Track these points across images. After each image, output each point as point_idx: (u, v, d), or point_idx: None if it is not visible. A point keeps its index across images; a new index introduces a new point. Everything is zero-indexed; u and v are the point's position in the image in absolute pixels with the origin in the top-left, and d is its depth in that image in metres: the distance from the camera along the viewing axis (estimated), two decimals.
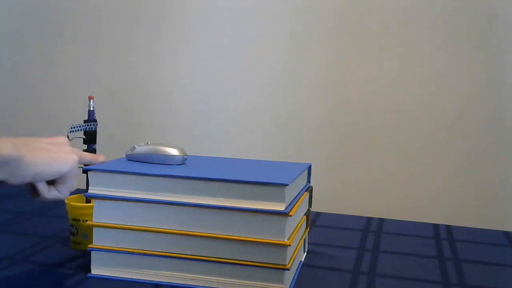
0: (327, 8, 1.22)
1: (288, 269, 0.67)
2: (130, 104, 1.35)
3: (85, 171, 0.73)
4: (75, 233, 0.80)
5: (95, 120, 0.83)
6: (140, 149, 0.76)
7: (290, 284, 0.70)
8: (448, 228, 1.00)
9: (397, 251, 0.86)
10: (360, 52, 1.21)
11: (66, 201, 0.81)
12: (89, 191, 0.72)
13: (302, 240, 0.78)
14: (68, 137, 0.79)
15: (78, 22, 1.37)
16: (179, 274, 0.69)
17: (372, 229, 0.97)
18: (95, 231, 0.72)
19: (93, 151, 0.83)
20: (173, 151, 0.75)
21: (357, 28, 1.21)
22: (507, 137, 1.16)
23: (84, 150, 0.83)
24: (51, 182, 0.66)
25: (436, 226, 1.01)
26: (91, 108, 0.84)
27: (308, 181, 0.84)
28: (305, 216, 0.79)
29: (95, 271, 0.72)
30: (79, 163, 0.69)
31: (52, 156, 0.63)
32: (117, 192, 0.70)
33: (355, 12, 1.20)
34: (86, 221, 0.79)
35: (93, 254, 0.72)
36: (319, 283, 0.72)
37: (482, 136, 1.17)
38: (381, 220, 1.04)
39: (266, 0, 1.25)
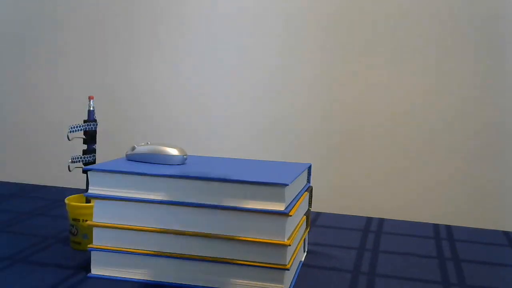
0: (324, 7, 1.22)
1: (288, 269, 0.67)
2: (130, 104, 1.35)
3: (85, 171, 0.73)
4: (75, 233, 0.80)
5: (95, 120, 0.83)
6: (140, 149, 0.76)
7: (290, 284, 0.70)
8: (448, 228, 1.00)
9: (397, 251, 0.86)
10: (360, 52, 1.21)
11: (66, 201, 0.81)
12: (89, 191, 0.72)
13: (302, 240, 0.78)
14: (68, 137, 0.79)
15: (78, 22, 1.37)
16: (179, 274, 0.69)
17: (372, 229, 0.97)
18: (95, 231, 0.72)
19: (93, 151, 0.83)
20: (173, 151, 0.75)
21: (355, 27, 1.21)
22: (507, 137, 1.16)
23: (84, 150, 0.83)
24: None
25: (436, 226, 1.01)
26: (91, 108, 0.84)
27: (308, 181, 0.84)
28: (305, 216, 0.79)
29: (95, 271, 0.72)
30: None
31: None
32: (117, 192, 0.70)
33: (352, 11, 1.21)
34: (86, 221, 0.79)
35: (93, 254, 0.72)
36: (319, 283, 0.72)
37: (482, 136, 1.17)
38: (381, 220, 1.04)
39: (263, 0, 1.25)
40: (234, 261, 0.67)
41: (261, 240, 0.66)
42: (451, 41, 1.17)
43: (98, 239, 0.71)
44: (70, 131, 0.79)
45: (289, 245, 0.66)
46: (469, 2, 1.15)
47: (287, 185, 0.65)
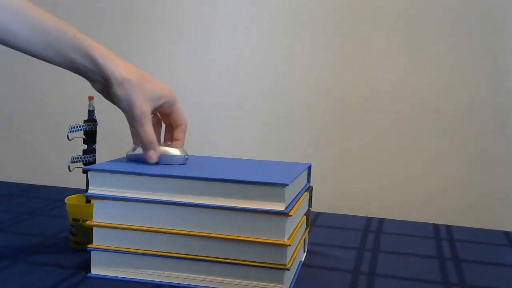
0: (328, 7, 1.22)
1: (288, 269, 0.67)
2: None
3: (85, 171, 0.73)
4: (75, 233, 0.80)
5: (95, 120, 0.83)
6: (141, 149, 0.76)
7: (290, 284, 0.70)
8: (448, 228, 1.00)
9: (397, 251, 0.86)
10: (361, 52, 1.21)
11: (66, 201, 0.81)
12: (89, 191, 0.72)
13: (302, 240, 0.78)
14: (68, 137, 0.79)
15: (78, 21, 1.37)
16: (179, 274, 0.69)
17: (372, 229, 0.97)
18: (95, 231, 0.72)
19: (93, 151, 0.83)
20: (174, 151, 0.75)
21: (359, 27, 1.21)
22: (507, 137, 1.16)
23: (84, 150, 0.83)
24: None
25: (436, 226, 1.01)
26: (91, 108, 0.84)
27: (308, 181, 0.84)
28: (305, 216, 0.79)
29: (95, 271, 0.72)
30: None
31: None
32: (117, 192, 0.70)
33: (357, 11, 1.20)
34: (86, 221, 0.79)
35: (93, 254, 0.72)
36: (319, 283, 0.72)
37: (482, 136, 1.17)
38: (381, 220, 1.04)
39: (267, 0, 1.25)
40: (234, 261, 0.67)
41: (261, 240, 0.66)
42: (454, 44, 1.17)
43: (98, 239, 0.71)
44: (70, 131, 0.79)
45: (289, 245, 0.66)
46: (477, 3, 1.15)
47: (287, 185, 0.65)
